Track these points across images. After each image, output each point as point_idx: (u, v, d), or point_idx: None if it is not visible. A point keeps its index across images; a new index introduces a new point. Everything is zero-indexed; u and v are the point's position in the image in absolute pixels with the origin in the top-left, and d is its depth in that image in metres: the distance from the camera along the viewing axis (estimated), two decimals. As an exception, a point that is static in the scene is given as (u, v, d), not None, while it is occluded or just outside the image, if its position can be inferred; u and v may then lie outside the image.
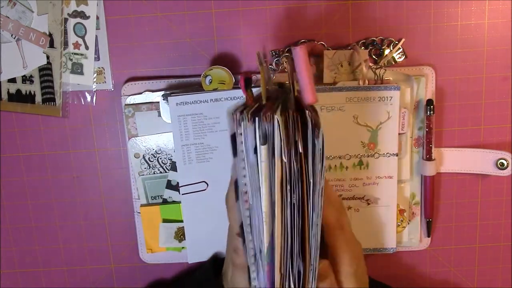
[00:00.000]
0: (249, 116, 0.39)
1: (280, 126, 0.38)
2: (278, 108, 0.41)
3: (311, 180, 0.40)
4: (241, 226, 0.44)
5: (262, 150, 0.39)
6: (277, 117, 0.38)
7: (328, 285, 0.43)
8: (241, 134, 0.40)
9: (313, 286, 0.42)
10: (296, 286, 0.41)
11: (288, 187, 0.40)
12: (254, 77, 0.56)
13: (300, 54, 0.41)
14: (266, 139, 0.39)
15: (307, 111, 0.39)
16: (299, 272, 0.41)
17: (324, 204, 0.43)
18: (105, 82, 0.58)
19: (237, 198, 0.43)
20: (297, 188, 0.40)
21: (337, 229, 0.44)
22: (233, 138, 0.41)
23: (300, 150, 0.39)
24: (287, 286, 0.41)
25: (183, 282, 0.59)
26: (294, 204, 0.40)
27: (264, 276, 0.42)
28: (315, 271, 0.41)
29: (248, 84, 0.48)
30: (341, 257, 0.44)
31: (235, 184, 0.43)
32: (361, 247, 0.47)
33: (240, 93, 0.54)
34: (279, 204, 0.40)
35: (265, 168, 0.39)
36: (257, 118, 0.39)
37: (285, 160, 0.39)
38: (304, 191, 0.40)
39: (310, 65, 0.43)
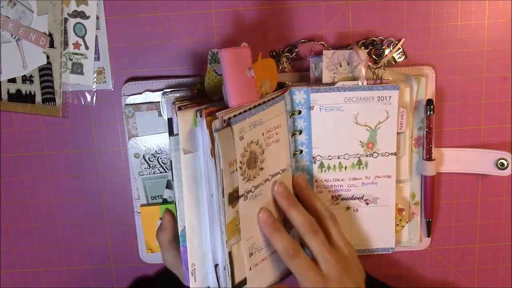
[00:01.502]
0: (176, 108, 0.46)
1: (180, 122, 0.45)
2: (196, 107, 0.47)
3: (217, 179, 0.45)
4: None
5: (171, 140, 0.47)
6: (178, 112, 0.45)
7: None
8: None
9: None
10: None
11: (206, 182, 0.46)
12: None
13: (224, 57, 0.45)
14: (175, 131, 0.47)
15: (218, 113, 0.44)
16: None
17: (272, 232, 0.48)
18: (105, 82, 0.58)
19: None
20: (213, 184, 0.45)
21: (286, 258, 0.48)
22: (169, 121, 0.48)
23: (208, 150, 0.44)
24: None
25: (166, 277, 0.59)
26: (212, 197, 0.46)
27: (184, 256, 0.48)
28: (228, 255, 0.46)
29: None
30: (300, 281, 0.49)
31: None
32: (335, 263, 0.49)
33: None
34: (191, 195, 0.47)
35: (173, 157, 0.47)
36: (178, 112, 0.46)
37: (184, 153, 0.45)
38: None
39: (243, 69, 0.45)
